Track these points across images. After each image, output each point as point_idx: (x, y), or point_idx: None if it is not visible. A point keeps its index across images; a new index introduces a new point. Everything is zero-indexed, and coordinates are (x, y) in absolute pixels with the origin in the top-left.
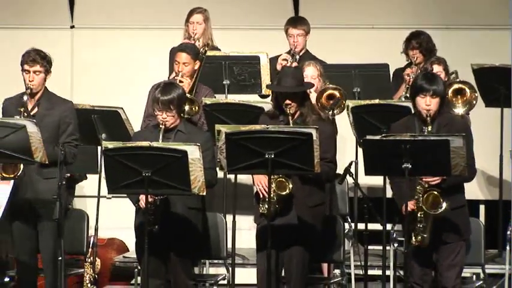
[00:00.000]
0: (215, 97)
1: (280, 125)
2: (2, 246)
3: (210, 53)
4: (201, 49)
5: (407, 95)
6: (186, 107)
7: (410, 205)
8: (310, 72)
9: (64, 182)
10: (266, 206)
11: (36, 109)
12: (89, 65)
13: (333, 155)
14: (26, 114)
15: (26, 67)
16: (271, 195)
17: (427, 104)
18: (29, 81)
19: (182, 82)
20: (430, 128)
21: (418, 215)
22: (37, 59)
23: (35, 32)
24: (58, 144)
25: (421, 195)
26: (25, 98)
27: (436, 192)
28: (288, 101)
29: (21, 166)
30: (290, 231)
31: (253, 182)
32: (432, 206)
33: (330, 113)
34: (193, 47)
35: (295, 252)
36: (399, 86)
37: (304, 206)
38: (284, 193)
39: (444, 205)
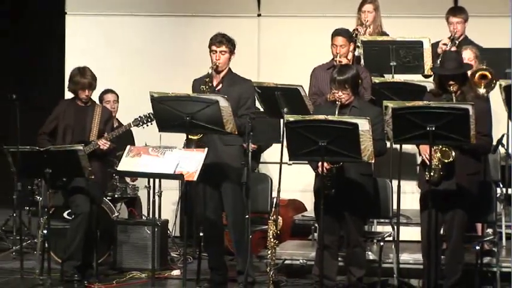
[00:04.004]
0: (374, 75)
1: (443, 102)
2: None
3: (379, 38)
4: (353, 33)
5: None
6: None
7: None
8: (467, 55)
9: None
10: (432, 173)
11: (220, 85)
12: (273, 48)
13: (489, 129)
14: (208, 90)
15: (214, 47)
16: (437, 163)
17: None
18: (216, 59)
19: (341, 62)
20: None
21: None
22: (223, 41)
23: (225, 20)
24: (236, 116)
25: None
26: (209, 72)
27: None
28: (450, 82)
29: None
30: (451, 195)
31: (419, 152)
32: None
33: (483, 90)
34: (347, 31)
35: (456, 214)
36: None
37: (462, 174)
38: (447, 161)
39: None
